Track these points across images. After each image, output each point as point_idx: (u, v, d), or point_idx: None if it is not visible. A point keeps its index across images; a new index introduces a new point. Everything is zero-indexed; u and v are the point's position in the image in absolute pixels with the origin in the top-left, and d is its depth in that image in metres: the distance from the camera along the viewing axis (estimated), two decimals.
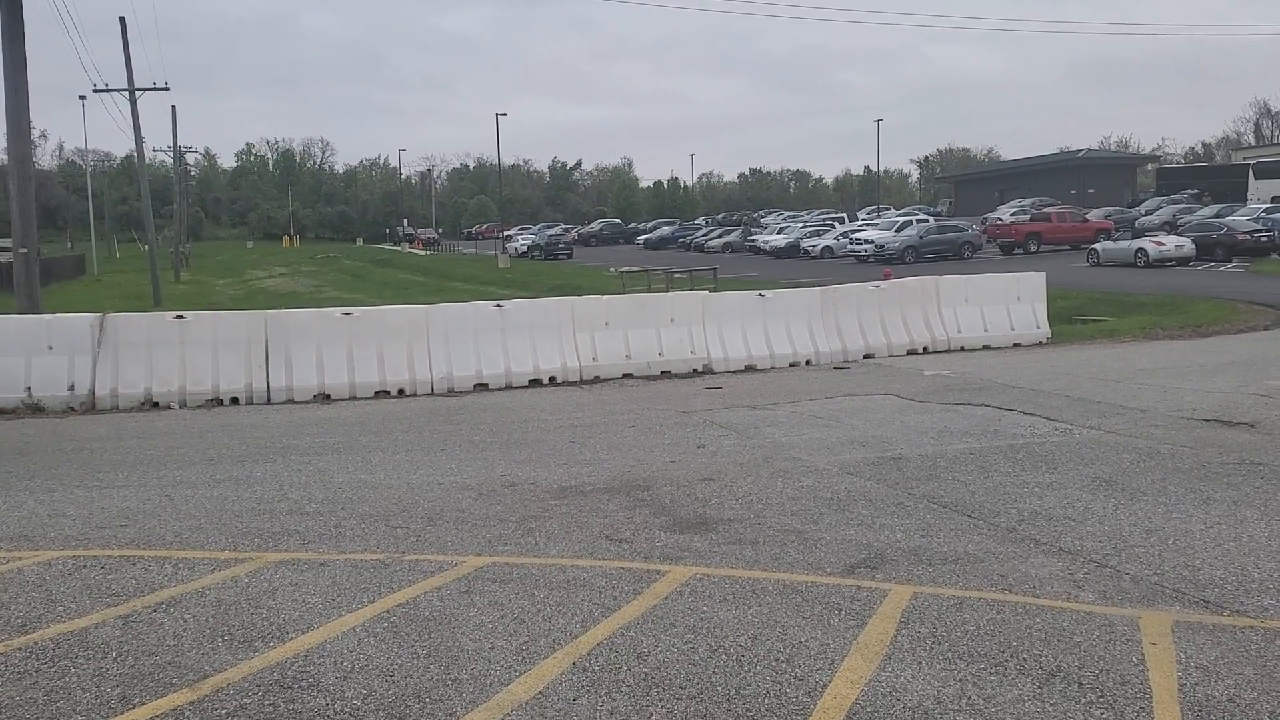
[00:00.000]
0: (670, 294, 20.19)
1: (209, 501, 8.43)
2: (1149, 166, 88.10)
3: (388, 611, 5.76)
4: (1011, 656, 4.99)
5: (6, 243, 50.23)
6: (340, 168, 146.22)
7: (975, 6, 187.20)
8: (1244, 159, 69.19)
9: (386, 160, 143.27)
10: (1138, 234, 44.49)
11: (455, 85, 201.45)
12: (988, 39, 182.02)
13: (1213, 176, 62.54)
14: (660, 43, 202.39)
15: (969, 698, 4.57)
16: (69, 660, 5.15)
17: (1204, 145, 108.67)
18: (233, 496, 8.59)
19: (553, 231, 78.87)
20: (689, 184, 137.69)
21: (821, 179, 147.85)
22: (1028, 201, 66.29)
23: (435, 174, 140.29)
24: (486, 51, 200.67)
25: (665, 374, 15.89)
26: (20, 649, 5.29)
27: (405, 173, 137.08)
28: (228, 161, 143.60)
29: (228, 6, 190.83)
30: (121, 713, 4.56)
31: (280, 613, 5.78)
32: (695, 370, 16.10)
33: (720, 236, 66.60)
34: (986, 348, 18.03)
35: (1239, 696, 4.52)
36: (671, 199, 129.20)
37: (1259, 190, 53.82)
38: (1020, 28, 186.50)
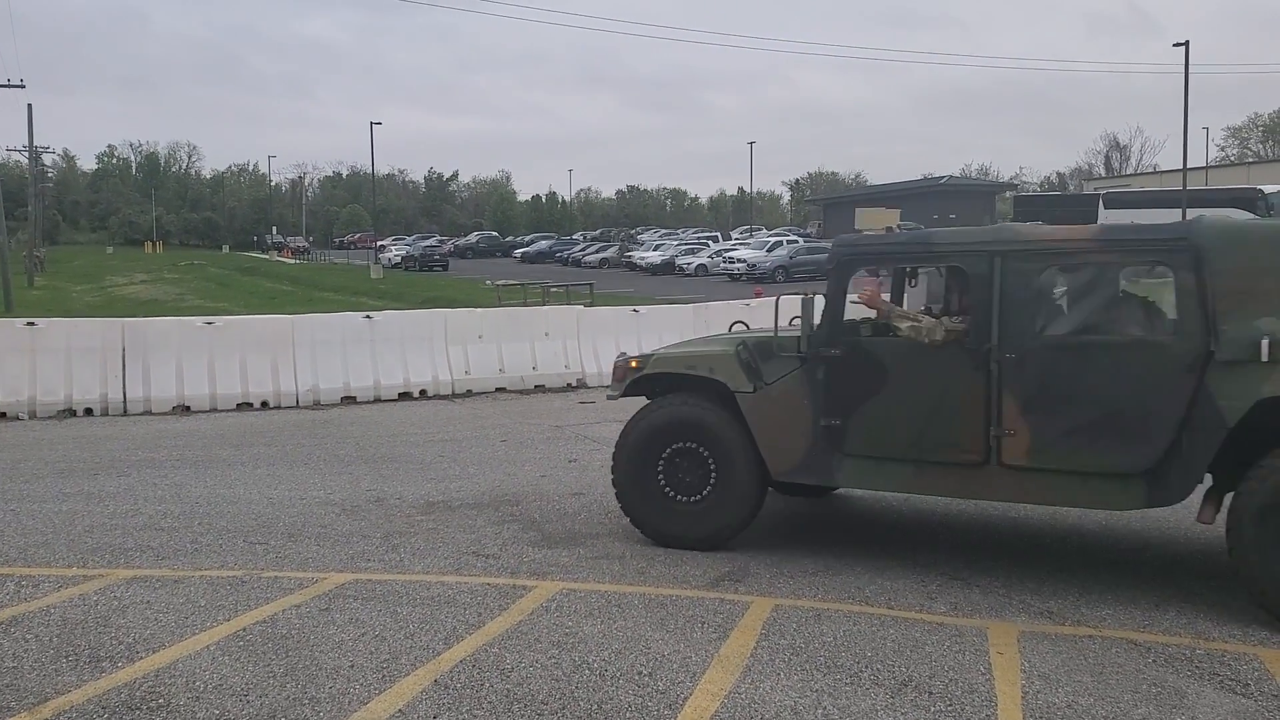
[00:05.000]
0: (546, 308, 20.17)
1: (57, 516, 8.08)
2: (1007, 194, 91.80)
3: (244, 630, 5.61)
4: (866, 667, 5.14)
5: None
6: (208, 173, 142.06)
7: (834, 34, 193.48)
8: (1095, 189, 72.77)
9: (256, 166, 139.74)
10: None
11: (318, 91, 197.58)
12: (849, 65, 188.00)
13: (1066, 205, 65.40)
14: (525, 56, 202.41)
15: (824, 708, 4.69)
16: None
17: (1058, 175, 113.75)
18: (83, 511, 8.25)
19: (428, 243, 77.83)
20: (567, 199, 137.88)
21: (697, 198, 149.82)
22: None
23: (307, 181, 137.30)
24: (349, 58, 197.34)
25: (539, 388, 15.86)
26: None
27: (275, 179, 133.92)
28: (88, 163, 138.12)
29: (69, 2, 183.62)
30: None
31: (130, 631, 5.58)
32: (570, 384, 16.11)
33: (598, 252, 66.83)
34: None
35: (1077, 703, 4.74)
36: (550, 213, 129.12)
37: (1108, 220, 56.66)
38: (876, 55, 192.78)
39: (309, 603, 6.06)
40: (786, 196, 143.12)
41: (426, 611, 5.91)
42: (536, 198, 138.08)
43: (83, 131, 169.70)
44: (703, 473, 7.09)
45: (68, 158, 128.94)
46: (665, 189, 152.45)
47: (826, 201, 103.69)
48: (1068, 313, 6.50)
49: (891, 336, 6.78)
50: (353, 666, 5.13)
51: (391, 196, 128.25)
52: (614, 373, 7.76)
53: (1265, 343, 5.61)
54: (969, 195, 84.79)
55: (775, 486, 7.65)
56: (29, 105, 60.47)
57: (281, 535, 7.53)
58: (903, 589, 6.33)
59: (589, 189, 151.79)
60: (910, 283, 7.69)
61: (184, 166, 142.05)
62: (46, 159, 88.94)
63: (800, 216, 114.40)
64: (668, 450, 7.15)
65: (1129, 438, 6.02)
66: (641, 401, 7.64)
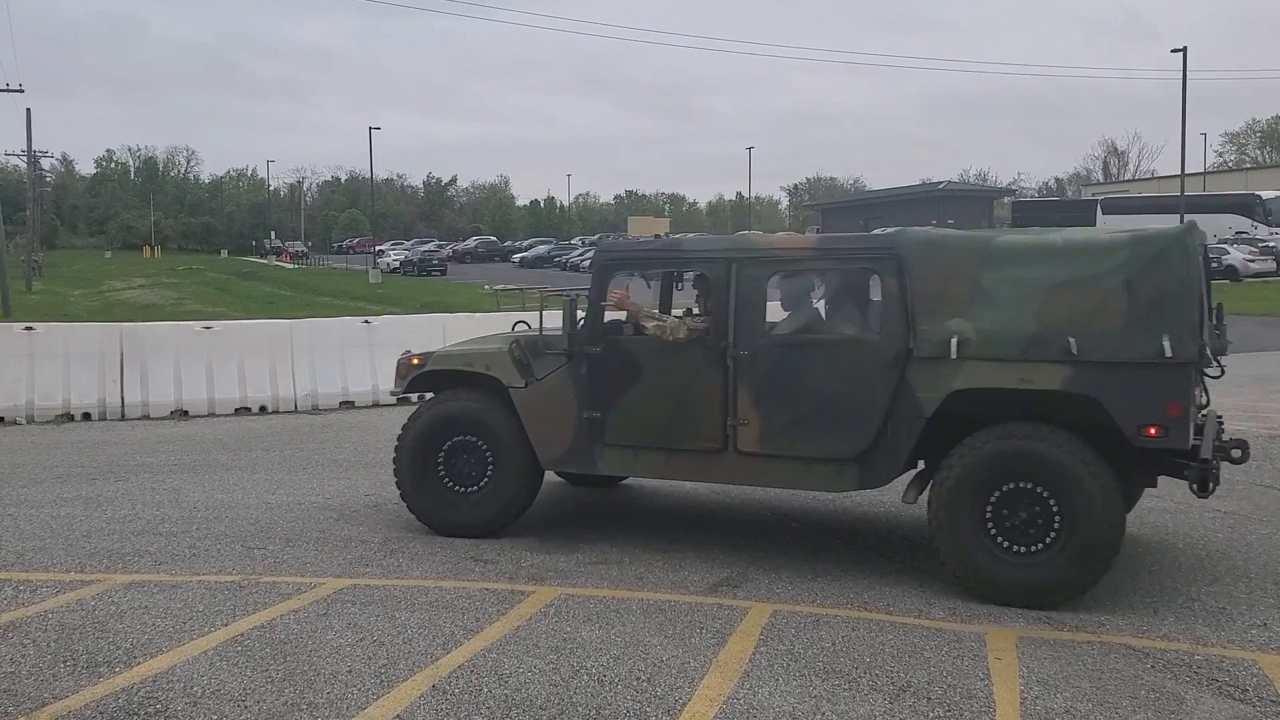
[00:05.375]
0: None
1: (55, 521, 8.07)
2: (1005, 199, 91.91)
3: (242, 635, 5.61)
4: (865, 672, 5.14)
5: None
6: (206, 177, 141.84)
7: (830, 39, 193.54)
8: (1093, 194, 72.90)
9: (255, 171, 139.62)
10: None
11: (316, 96, 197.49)
12: (847, 70, 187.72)
13: (1064, 210, 65.53)
14: (523, 61, 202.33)
15: (823, 713, 4.69)
16: None
17: (1056, 180, 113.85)
18: (81, 516, 8.24)
19: (426, 247, 77.93)
20: (565, 204, 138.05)
21: (695, 203, 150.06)
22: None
23: (305, 186, 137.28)
24: (346, 63, 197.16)
25: None
26: None
27: (274, 184, 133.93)
28: (87, 168, 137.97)
29: (68, 6, 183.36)
30: None
31: (128, 637, 5.58)
32: None
33: None
34: None
35: (1075, 708, 4.74)
36: (548, 218, 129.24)
37: (1106, 225, 56.76)
38: (874, 61, 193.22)
39: (307, 608, 6.06)
40: (785, 201, 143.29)
41: (425, 617, 5.90)
42: (535, 202, 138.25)
43: (81, 136, 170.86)
44: (481, 464, 7.56)
45: (66, 162, 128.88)
46: (664, 194, 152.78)
47: (825, 206, 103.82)
48: (792, 314, 7.23)
49: (642, 338, 7.25)
50: (351, 672, 5.13)
51: (390, 201, 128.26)
52: (397, 370, 8.14)
53: (954, 341, 6.22)
54: (967, 200, 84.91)
55: (566, 478, 8.71)
56: (27, 109, 60.54)
57: (279, 540, 7.53)
58: (901, 594, 6.33)
59: (587, 194, 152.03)
60: (677, 286, 8.17)
61: (182, 171, 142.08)
62: (45, 163, 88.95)
63: (799, 222, 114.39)
64: (448, 443, 7.61)
65: (843, 427, 6.59)
66: None
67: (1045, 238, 6.59)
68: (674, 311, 7.84)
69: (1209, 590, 6.41)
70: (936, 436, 6.44)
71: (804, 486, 7.15)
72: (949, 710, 4.72)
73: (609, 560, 7.03)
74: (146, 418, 13.62)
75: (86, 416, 13.59)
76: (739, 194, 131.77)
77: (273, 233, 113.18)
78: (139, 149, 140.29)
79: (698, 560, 7.01)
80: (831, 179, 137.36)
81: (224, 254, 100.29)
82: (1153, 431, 5.94)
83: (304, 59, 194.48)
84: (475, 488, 7.59)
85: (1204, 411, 6.81)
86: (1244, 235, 51.01)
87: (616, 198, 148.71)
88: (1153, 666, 5.23)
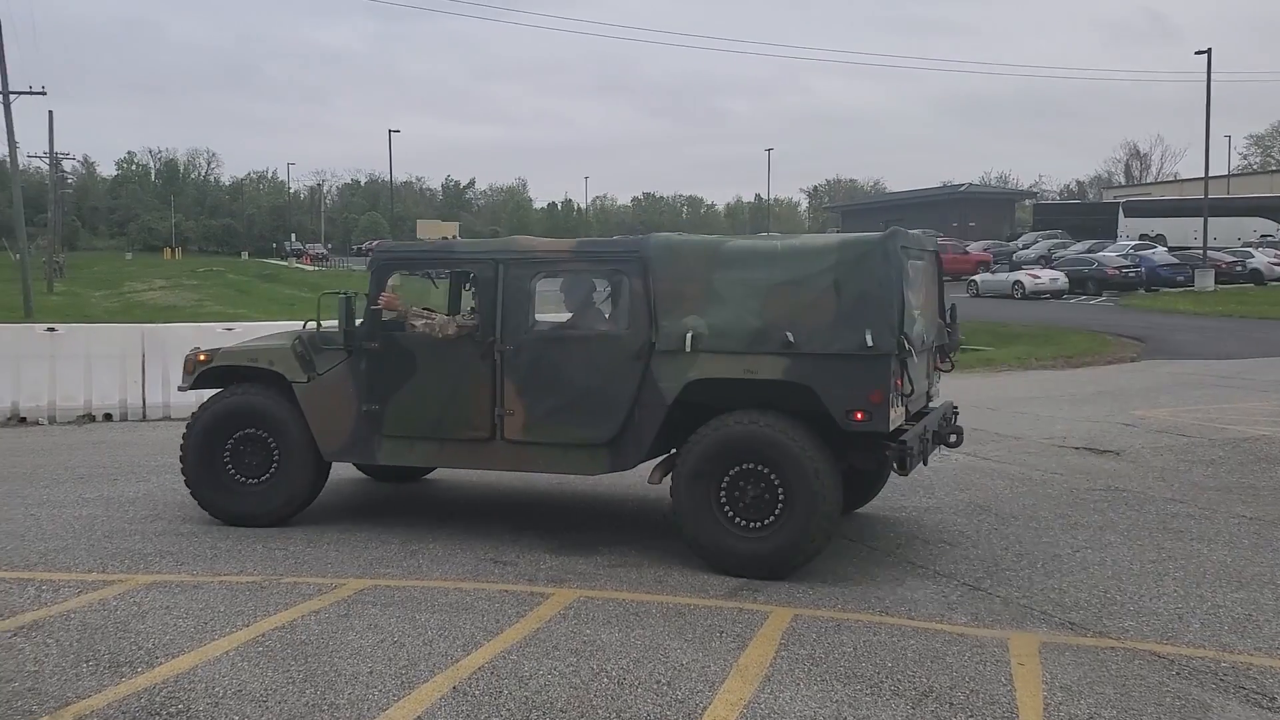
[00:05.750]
0: None
1: (77, 521, 8.11)
2: (1027, 202, 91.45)
3: (263, 635, 5.62)
4: (886, 678, 5.11)
5: None
6: (227, 180, 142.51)
7: (848, 40, 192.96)
8: (1114, 197, 72.39)
9: (275, 174, 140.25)
10: (1015, 267, 46.05)
11: (335, 99, 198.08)
12: (866, 72, 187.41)
13: (1085, 213, 65.17)
14: (541, 64, 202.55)
15: (844, 718, 4.66)
16: None
17: (1078, 183, 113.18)
18: (103, 516, 8.28)
19: None
20: (583, 206, 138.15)
21: (713, 205, 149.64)
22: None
23: (325, 189, 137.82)
24: (364, 66, 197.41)
25: None
26: None
27: (294, 187, 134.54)
28: (108, 170, 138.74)
29: (88, 10, 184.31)
30: None
31: (150, 637, 5.60)
32: None
33: None
34: None
35: (1099, 715, 4.70)
36: (565, 221, 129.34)
37: (1128, 228, 56.33)
38: (894, 63, 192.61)
39: (328, 608, 6.07)
40: (804, 204, 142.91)
41: (445, 618, 5.91)
42: (552, 205, 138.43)
43: (103, 138, 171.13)
44: (266, 456, 7.89)
45: (87, 164, 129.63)
46: (681, 196, 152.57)
47: (845, 209, 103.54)
48: (552, 311, 7.74)
49: (414, 334, 7.58)
50: (371, 673, 5.13)
51: (409, 204, 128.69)
52: (184, 365, 8.45)
53: (689, 335, 6.85)
54: (988, 203, 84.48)
55: (367, 471, 9.34)
56: (49, 112, 61.01)
57: (300, 540, 7.55)
58: (923, 599, 6.30)
59: (604, 196, 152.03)
60: (466, 287, 8.29)
61: (203, 173, 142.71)
62: (66, 165, 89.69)
63: (818, 224, 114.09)
64: (234, 437, 7.92)
65: (596, 414, 7.12)
66: None
67: (768, 242, 7.33)
68: (464, 310, 8.20)
69: (1235, 597, 6.35)
70: (681, 424, 7.01)
71: (563, 470, 7.63)
72: (972, 716, 4.69)
73: (628, 563, 7.02)
74: (168, 418, 13.68)
75: (108, 417, 13.68)
76: (758, 196, 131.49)
77: (293, 235, 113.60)
78: (160, 151, 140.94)
79: None
80: (852, 181, 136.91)
81: (245, 256, 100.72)
82: (858, 416, 6.56)
83: (322, 62, 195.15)
84: (261, 479, 7.92)
85: (932, 401, 7.92)
86: (1269, 239, 50.59)
87: (634, 200, 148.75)
88: (1178, 673, 5.18)
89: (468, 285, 8.14)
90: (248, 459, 7.92)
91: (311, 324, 8.11)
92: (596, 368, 7.15)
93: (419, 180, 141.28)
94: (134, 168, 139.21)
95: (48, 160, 66.97)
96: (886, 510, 8.44)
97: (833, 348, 6.61)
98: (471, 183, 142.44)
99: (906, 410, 7.05)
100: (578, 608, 6.10)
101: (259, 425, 7.86)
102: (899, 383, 6.69)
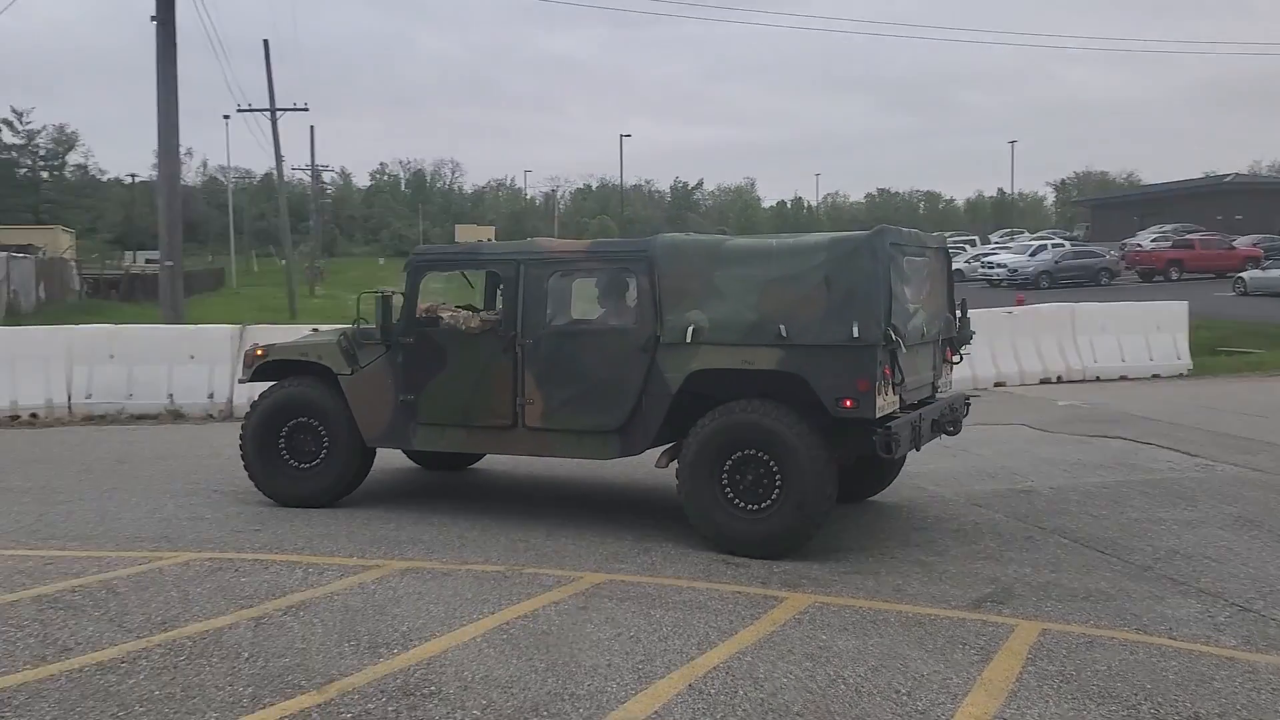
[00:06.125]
0: None
1: (338, 509, 8.65)
2: None
3: (507, 624, 5.83)
4: (1145, 700, 4.79)
5: (152, 254, 52.57)
6: (469, 188, 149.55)
7: (1098, 26, 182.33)
8: None
9: (512, 180, 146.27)
10: None
11: (568, 106, 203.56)
12: (1115, 59, 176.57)
13: None
14: (768, 63, 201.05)
15: None
16: (204, 658, 5.34)
17: None
18: (361, 504, 8.80)
19: None
20: (813, 204, 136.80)
21: (952, 200, 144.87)
22: (1169, 227, 63.61)
23: (559, 194, 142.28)
24: (596, 73, 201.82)
25: None
26: (160, 645, 5.52)
27: (530, 193, 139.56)
28: (362, 180, 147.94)
29: (344, 30, 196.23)
30: (253, 711, 4.71)
31: (404, 620, 5.91)
32: None
33: None
34: (1123, 378, 17.36)
35: None
36: (795, 219, 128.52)
37: None
38: (1150, 48, 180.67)
39: (567, 600, 6.24)
40: (1051, 198, 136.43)
41: (679, 616, 5.96)
42: (781, 203, 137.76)
43: (358, 150, 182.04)
44: (317, 442, 8.63)
45: (344, 175, 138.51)
46: (918, 191, 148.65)
47: (1095, 203, 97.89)
48: (567, 307, 8.24)
49: (444, 330, 8.18)
50: (609, 665, 5.23)
51: (638, 206, 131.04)
52: (244, 359, 9.38)
53: (690, 329, 7.32)
54: (1259, 194, 77.68)
55: (418, 460, 10.19)
56: (311, 127, 65.55)
57: (540, 533, 7.79)
58: (1185, 618, 5.87)
59: (836, 193, 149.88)
60: (500, 288, 8.60)
61: (448, 182, 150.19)
62: (326, 177, 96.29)
63: (1066, 219, 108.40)
64: (288, 424, 8.66)
65: (607, 403, 7.62)
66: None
67: (765, 241, 7.71)
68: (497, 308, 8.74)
69: None
70: (685, 412, 7.44)
71: (577, 455, 8.14)
72: None
73: (864, 570, 6.88)
74: None
75: None
76: (1000, 190, 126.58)
77: (529, 239, 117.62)
78: (409, 162, 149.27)
79: (959, 573, 6.76)
80: (1103, 174, 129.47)
81: None
82: (847, 403, 6.88)
83: (557, 70, 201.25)
84: (312, 464, 8.65)
85: (940, 391, 8.29)
86: None
87: (868, 196, 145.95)
88: None
89: (502, 286, 8.54)
90: (301, 445, 8.67)
91: (362, 322, 8.75)
92: (607, 360, 7.67)
93: (648, 183, 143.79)
94: (385, 178, 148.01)
95: (310, 173, 72.06)
96: (1143, 522, 7.93)
97: (823, 339, 7.00)
98: (700, 184, 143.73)
99: (901, 399, 7.32)
100: (813, 613, 6.02)
101: (310, 414, 8.60)
102: (888, 371, 7.01)
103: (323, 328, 10.50)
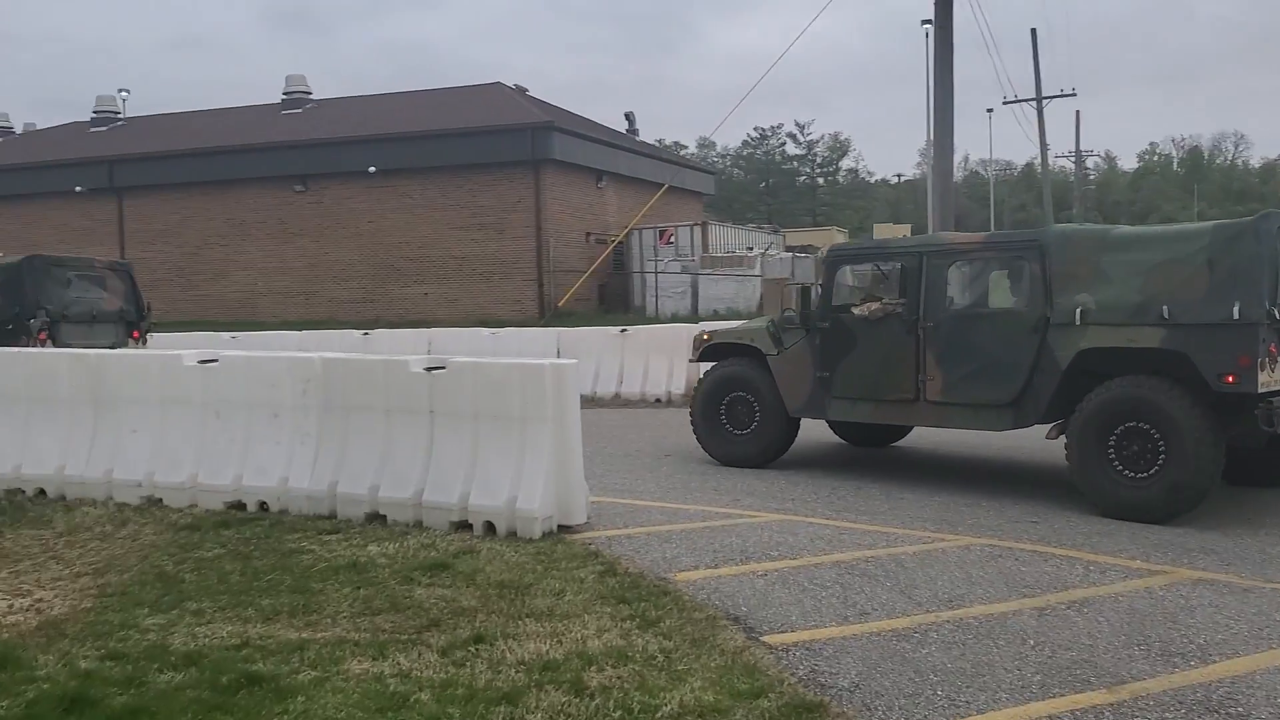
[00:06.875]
0: None
1: (1123, 521, 8.29)
2: None
3: None
4: None
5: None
6: (1255, 161, 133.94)
7: None
8: None
9: None
10: None
11: None
12: None
13: None
14: None
15: None
16: (990, 639, 5.50)
17: None
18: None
19: None
20: None
21: None
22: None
23: None
24: None
25: None
26: (948, 621, 5.80)
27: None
28: (1129, 162, 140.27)
29: (1113, 6, 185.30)
30: (1042, 699, 4.75)
31: (1200, 632, 5.53)
32: None
33: None
34: None
35: None
36: None
37: None
38: None
39: None
40: None
41: None
42: None
43: (1125, 131, 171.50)
44: (750, 413, 10.25)
45: (1109, 159, 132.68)
46: None
47: None
48: (965, 293, 9.21)
49: (855, 315, 9.47)
50: None
51: None
52: (693, 342, 11.19)
53: (1079, 310, 8.19)
54: None
55: (844, 436, 11.68)
56: (1076, 112, 63.90)
57: None
58: None
59: None
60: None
61: (1229, 157, 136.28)
62: (1090, 162, 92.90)
63: None
64: (727, 397, 10.39)
65: (1000, 379, 8.62)
66: None
67: (1150, 229, 8.90)
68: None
69: None
70: (1072, 389, 8.17)
71: (973, 426, 9.04)
72: None
73: None
74: None
75: None
76: None
77: None
78: (1183, 140, 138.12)
79: None
80: None
81: None
82: (1229, 379, 7.40)
83: None
84: (745, 430, 10.32)
85: None
86: None
87: None
88: None
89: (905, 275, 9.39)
90: (738, 415, 10.36)
91: (789, 312, 10.20)
92: (1001, 340, 8.57)
93: None
94: (1156, 158, 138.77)
95: (1073, 159, 70.15)
96: None
97: (1205, 318, 7.53)
98: None
99: None
100: None
101: (744, 389, 10.27)
102: (1273, 350, 7.38)
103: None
